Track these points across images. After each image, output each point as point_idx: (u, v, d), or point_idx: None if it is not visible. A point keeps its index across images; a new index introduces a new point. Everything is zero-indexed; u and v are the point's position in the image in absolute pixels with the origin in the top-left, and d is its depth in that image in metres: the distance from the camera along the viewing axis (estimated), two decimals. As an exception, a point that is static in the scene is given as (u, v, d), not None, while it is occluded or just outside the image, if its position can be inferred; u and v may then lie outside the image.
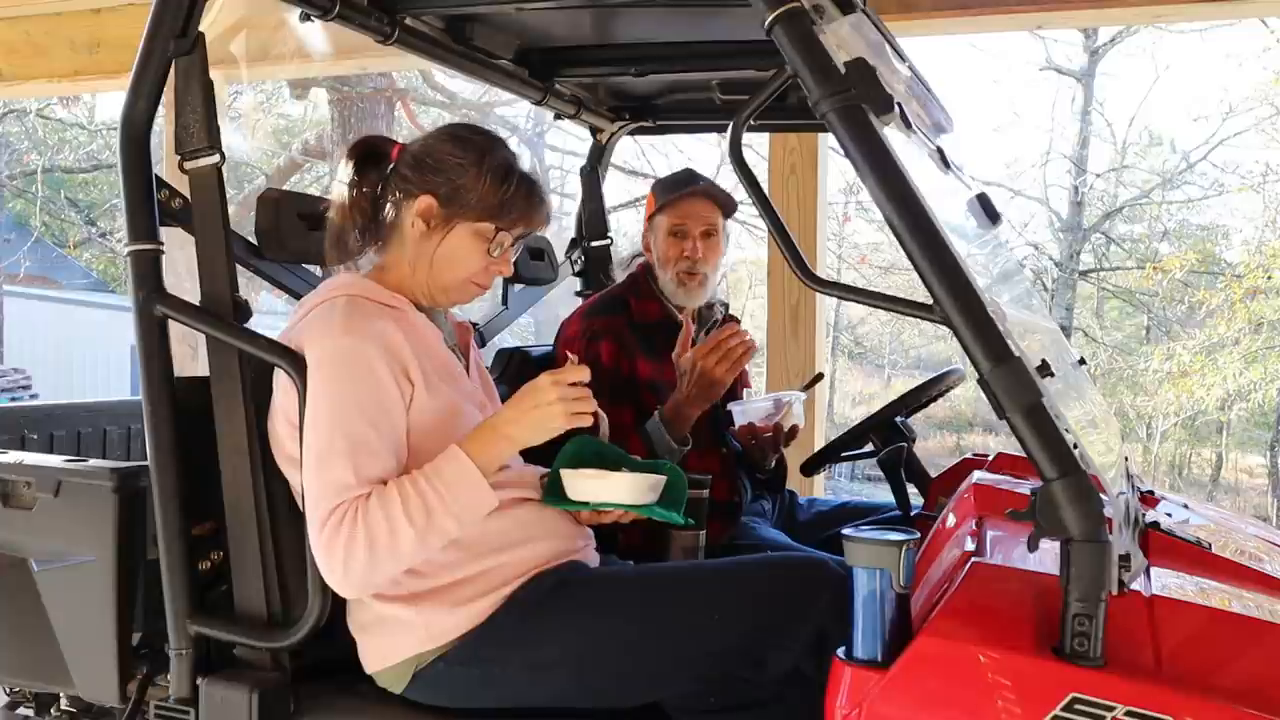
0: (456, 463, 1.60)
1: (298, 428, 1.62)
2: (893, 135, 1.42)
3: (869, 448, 2.48)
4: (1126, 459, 1.95)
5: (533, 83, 2.48)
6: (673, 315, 2.49)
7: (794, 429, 2.53)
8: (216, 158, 1.69)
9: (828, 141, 3.53)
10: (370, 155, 1.78)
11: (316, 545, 1.57)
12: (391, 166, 1.76)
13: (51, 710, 1.99)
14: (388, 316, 1.67)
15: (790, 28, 1.39)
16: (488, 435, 1.63)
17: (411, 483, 1.58)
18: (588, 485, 1.71)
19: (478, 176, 1.71)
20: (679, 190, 2.46)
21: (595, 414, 1.66)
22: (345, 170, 1.77)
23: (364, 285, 1.72)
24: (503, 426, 1.63)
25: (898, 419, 2.44)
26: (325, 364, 1.61)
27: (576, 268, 2.96)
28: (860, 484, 12.43)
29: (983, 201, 1.97)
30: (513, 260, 1.80)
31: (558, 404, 1.61)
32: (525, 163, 1.79)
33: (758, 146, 4.47)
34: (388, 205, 1.75)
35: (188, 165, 1.71)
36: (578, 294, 2.98)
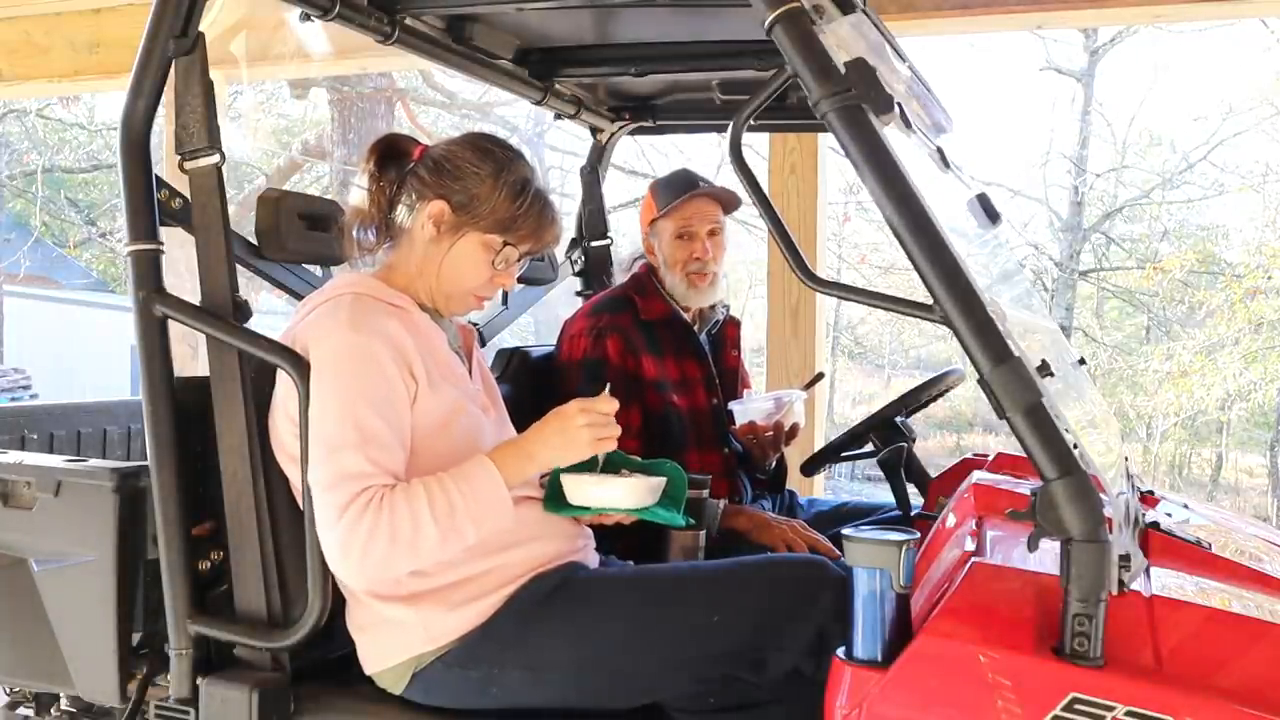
0: (485, 471, 1.60)
1: (298, 424, 1.62)
2: (893, 135, 1.42)
3: (869, 448, 2.48)
4: (1126, 459, 1.95)
5: (533, 83, 2.48)
6: (678, 314, 2.49)
7: (795, 428, 2.54)
8: (216, 158, 1.70)
9: (828, 141, 3.53)
10: (391, 153, 1.79)
11: (333, 532, 1.55)
12: (410, 166, 1.76)
13: (51, 710, 1.99)
14: (393, 315, 1.67)
15: (790, 28, 1.39)
16: (514, 453, 1.64)
17: (438, 482, 1.58)
18: (589, 490, 1.71)
19: (494, 188, 1.72)
20: (681, 194, 2.46)
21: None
22: (365, 165, 1.78)
23: (370, 284, 1.72)
24: (529, 446, 1.65)
25: (898, 419, 2.45)
26: (332, 358, 1.61)
27: (576, 268, 2.96)
28: (860, 484, 12.41)
29: (983, 201, 1.97)
30: (516, 274, 1.81)
31: (585, 430, 1.62)
32: (541, 180, 1.80)
33: (758, 146, 4.46)
34: (400, 205, 1.76)
35: (188, 165, 1.71)
36: (578, 294, 2.99)
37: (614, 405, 1.64)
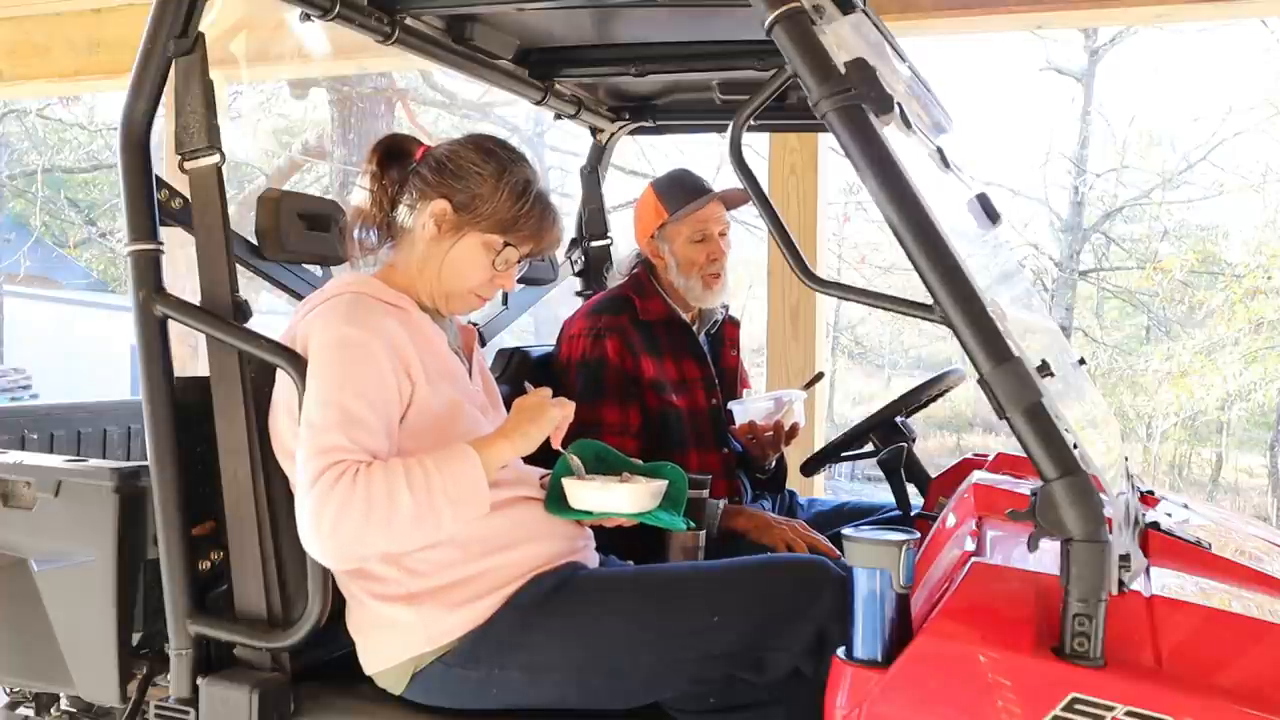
0: (463, 454, 1.61)
1: (299, 422, 1.62)
2: (893, 135, 1.42)
3: (869, 448, 2.48)
4: (1126, 459, 1.95)
5: (533, 83, 2.48)
6: (677, 314, 2.49)
7: (794, 428, 2.53)
8: (216, 158, 1.70)
9: (828, 141, 3.53)
10: (394, 153, 1.79)
11: (305, 502, 1.54)
12: (413, 166, 1.77)
13: (51, 710, 1.99)
14: (392, 315, 1.68)
15: (790, 28, 1.40)
16: (489, 439, 1.66)
17: (417, 462, 1.58)
18: (590, 495, 1.71)
19: (495, 189, 1.73)
20: (695, 197, 2.46)
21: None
22: (368, 164, 1.79)
23: (370, 284, 1.72)
24: (501, 429, 1.68)
25: (898, 419, 2.45)
26: (325, 351, 1.62)
27: (576, 268, 2.96)
28: (860, 484, 12.40)
29: (983, 201, 1.97)
30: (516, 275, 1.81)
31: (539, 402, 1.69)
32: (544, 183, 1.81)
33: (758, 146, 4.46)
34: (402, 205, 1.76)
35: (188, 165, 1.71)
36: (578, 294, 2.99)
37: (546, 392, 1.74)
